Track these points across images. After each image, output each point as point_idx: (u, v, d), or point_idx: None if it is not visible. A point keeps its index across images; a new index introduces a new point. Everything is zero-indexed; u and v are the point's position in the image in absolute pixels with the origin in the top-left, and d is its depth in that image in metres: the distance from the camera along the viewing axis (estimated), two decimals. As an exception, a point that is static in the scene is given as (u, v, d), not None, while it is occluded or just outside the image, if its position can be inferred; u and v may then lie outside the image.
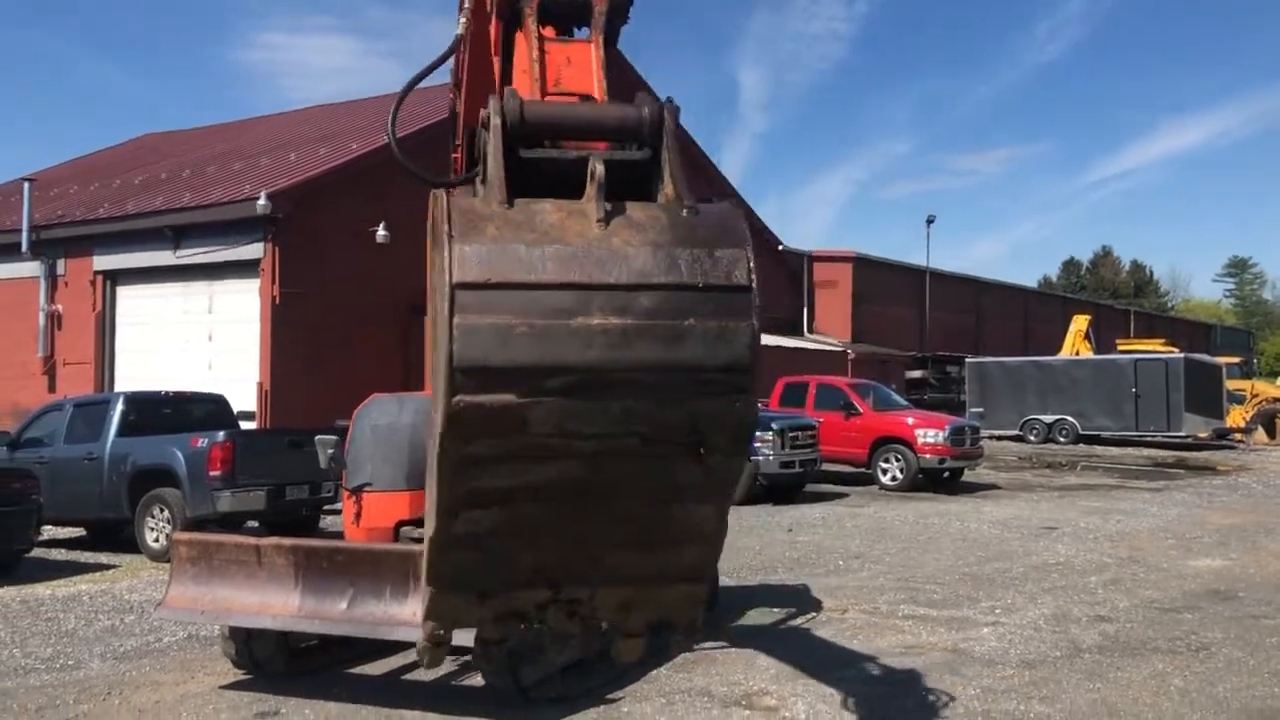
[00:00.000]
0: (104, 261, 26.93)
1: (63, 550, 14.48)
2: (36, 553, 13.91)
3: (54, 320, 28.01)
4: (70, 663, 8.31)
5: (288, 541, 7.13)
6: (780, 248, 38.08)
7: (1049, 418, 33.94)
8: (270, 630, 7.21)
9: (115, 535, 14.61)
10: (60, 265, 27.87)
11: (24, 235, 27.69)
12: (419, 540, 7.09)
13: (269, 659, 7.55)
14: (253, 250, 24.07)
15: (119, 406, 14.26)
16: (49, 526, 14.80)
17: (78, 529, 15.33)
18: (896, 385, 36.73)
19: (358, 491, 7.60)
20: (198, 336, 25.42)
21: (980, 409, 34.47)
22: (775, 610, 9.86)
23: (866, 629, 9.16)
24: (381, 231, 24.27)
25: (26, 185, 28.32)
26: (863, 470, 21.47)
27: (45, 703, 7.19)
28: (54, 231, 27.64)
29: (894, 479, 20.67)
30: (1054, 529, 15.53)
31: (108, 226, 26.55)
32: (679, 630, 3.65)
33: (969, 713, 6.83)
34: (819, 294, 39.21)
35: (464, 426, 2.90)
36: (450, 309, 2.84)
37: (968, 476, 22.49)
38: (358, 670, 7.83)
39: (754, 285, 3.06)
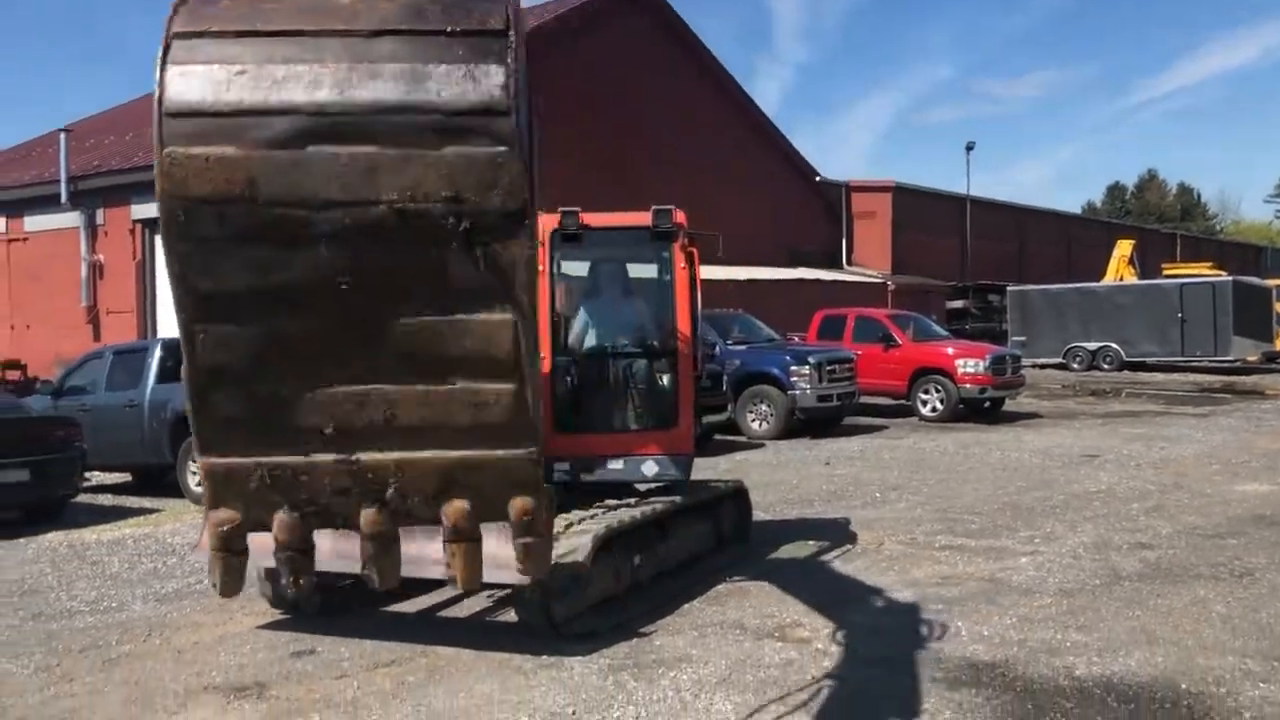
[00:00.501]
0: (142, 210, 27.08)
1: (109, 495, 14.74)
2: (83, 498, 14.17)
3: (96, 270, 28.29)
4: (114, 605, 8.45)
5: (318, 483, 7.14)
6: (817, 179, 37.61)
7: (1093, 345, 33.47)
8: (305, 570, 7.25)
9: (159, 480, 14.81)
10: (99, 215, 28.09)
11: (63, 186, 27.90)
12: None
13: (305, 598, 7.61)
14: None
15: (157, 353, 14.37)
16: (95, 473, 15.09)
17: (123, 474, 15.57)
18: (937, 316, 36.35)
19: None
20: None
21: (1023, 338, 34.05)
22: (810, 543, 9.82)
23: (903, 560, 9.10)
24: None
25: (63, 136, 28.47)
26: (903, 402, 21.30)
27: (89, 644, 7.32)
28: (91, 181, 27.81)
29: (934, 410, 20.49)
30: (1096, 456, 15.35)
31: (143, 175, 26.60)
32: (523, 566, 3.34)
33: (1005, 642, 6.76)
34: (858, 225, 38.74)
35: (181, 191, 2.56)
36: (163, 53, 2.53)
37: (1009, 406, 22.30)
38: (394, 608, 7.89)
39: (513, 32, 2.68)
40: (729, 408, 17.34)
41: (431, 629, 7.40)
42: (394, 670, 6.54)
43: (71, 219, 28.27)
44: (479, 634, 7.24)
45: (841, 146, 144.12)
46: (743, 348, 19.09)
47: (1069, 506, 11.50)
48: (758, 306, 26.39)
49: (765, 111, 37.05)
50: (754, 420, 18.41)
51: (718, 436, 17.74)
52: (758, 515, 11.28)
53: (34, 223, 29.62)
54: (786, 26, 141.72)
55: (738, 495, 9.46)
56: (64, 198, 27.78)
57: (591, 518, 7.45)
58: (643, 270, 8.82)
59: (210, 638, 7.36)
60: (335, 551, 6.83)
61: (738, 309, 21.82)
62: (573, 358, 8.06)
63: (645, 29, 31.81)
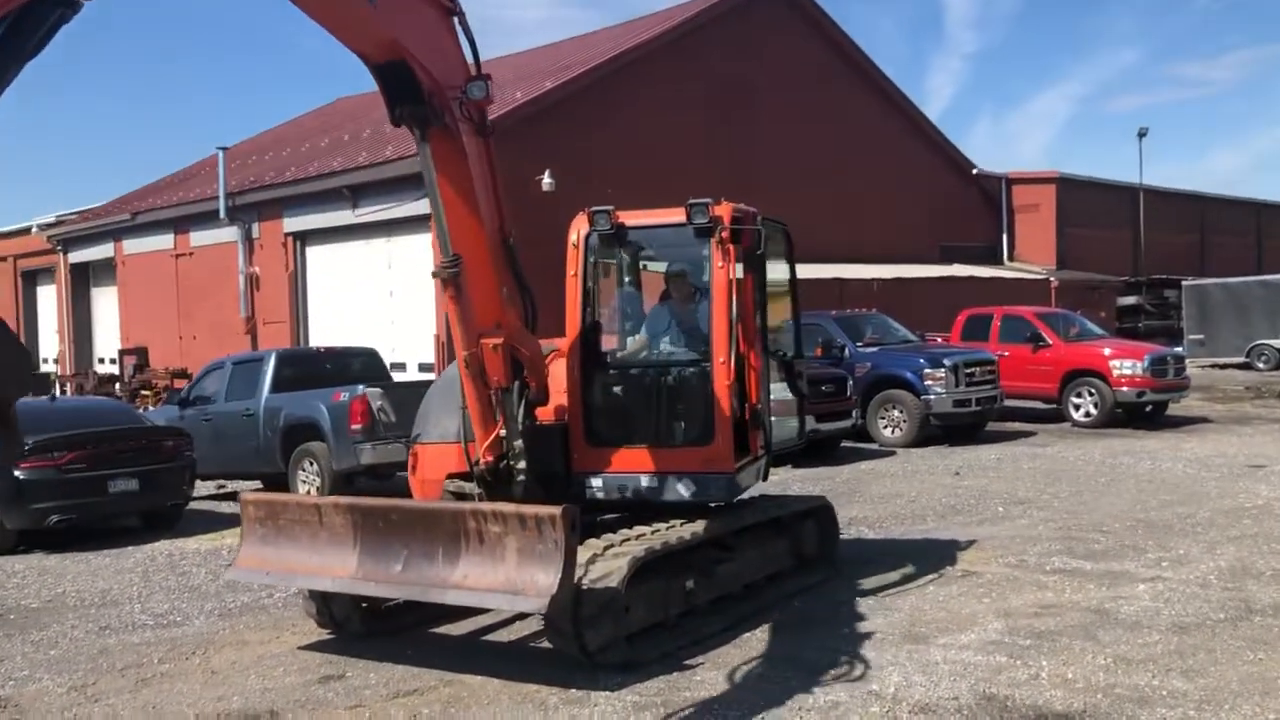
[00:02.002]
0: (293, 223, 27.96)
1: (231, 504, 14.98)
2: (206, 506, 14.53)
3: (252, 281, 29.34)
4: (178, 619, 8.41)
5: (345, 501, 6.88)
6: (974, 171, 35.95)
7: (1280, 342, 30.85)
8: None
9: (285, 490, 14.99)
10: (255, 229, 29.10)
11: (221, 202, 29.04)
12: (460, 494, 6.71)
13: (347, 619, 7.38)
14: (423, 205, 24.31)
15: (271, 363, 14.59)
16: (234, 481, 15.44)
17: (254, 483, 15.83)
18: (1106, 313, 34.25)
19: (413, 443, 7.28)
20: (379, 293, 26.02)
21: (1200, 336, 31.69)
22: (909, 565, 9.04)
23: (1004, 585, 8.26)
24: (547, 179, 24.12)
25: (220, 154, 29.69)
26: (1055, 407, 19.93)
27: (132, 661, 7.24)
28: (247, 197, 28.84)
29: (1087, 415, 19.08)
30: (1261, 467, 13.89)
31: (291, 189, 27.49)
32: None
33: (1089, 687, 5.93)
34: (1019, 219, 36.81)
35: None
36: None
37: (1176, 410, 20.60)
38: (441, 630, 7.58)
39: None
40: (854, 414, 16.48)
41: (470, 655, 7.03)
42: (412, 700, 6.19)
43: (230, 233, 29.42)
44: (517, 662, 6.83)
45: (1018, 140, 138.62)
46: (874, 350, 18.19)
47: (1213, 524, 10.33)
48: (905, 306, 25.27)
49: (920, 104, 35.64)
50: (885, 427, 17.49)
51: (845, 444, 16.92)
52: (860, 532, 10.60)
53: (198, 238, 30.98)
54: (957, 16, 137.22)
55: (819, 512, 8.76)
56: (222, 213, 28.92)
57: (637, 538, 6.93)
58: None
59: (250, 657, 7.18)
60: (360, 572, 6.61)
61: (872, 309, 20.87)
62: (608, 366, 7.55)
63: (787, 22, 30.99)
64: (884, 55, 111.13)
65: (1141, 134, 39.78)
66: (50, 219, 38.87)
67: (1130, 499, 11.89)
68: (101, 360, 35.78)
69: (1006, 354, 19.65)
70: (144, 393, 27.29)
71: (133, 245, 33.45)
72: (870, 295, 26.50)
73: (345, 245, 26.92)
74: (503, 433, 6.68)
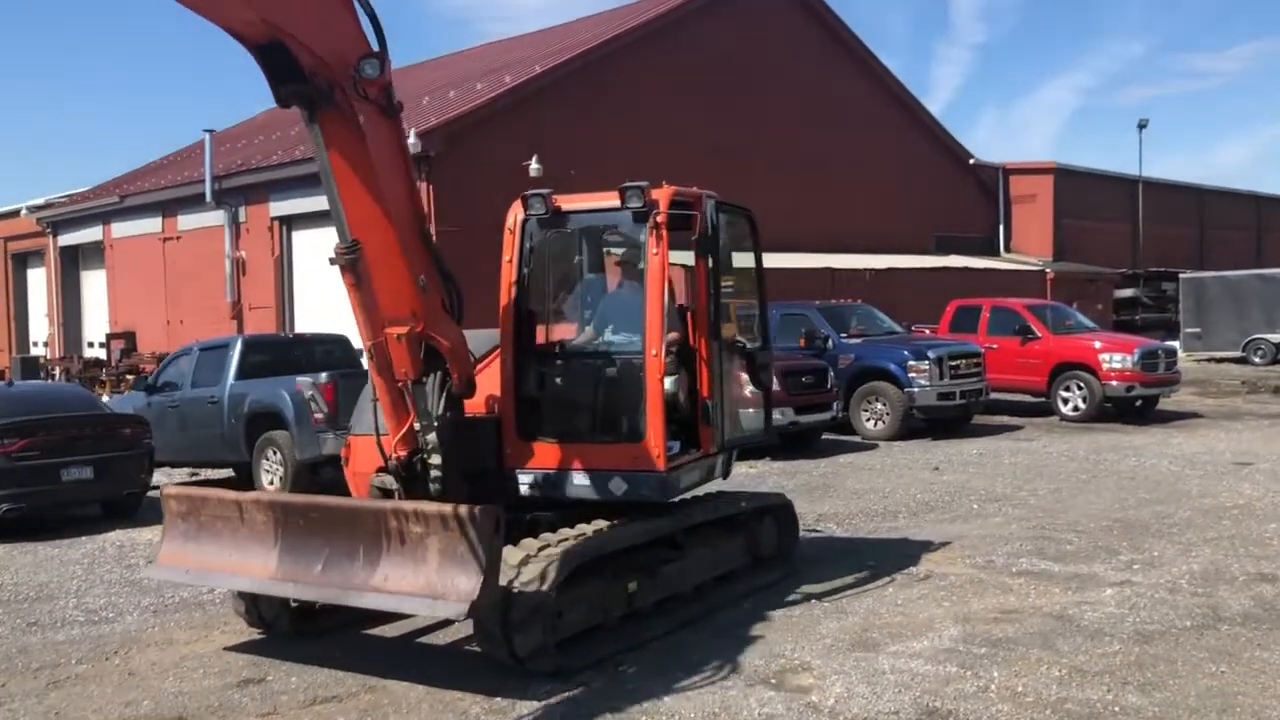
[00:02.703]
0: (279, 207, 27.61)
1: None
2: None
3: (239, 266, 29.01)
4: (111, 615, 8.11)
5: (266, 497, 6.58)
6: (971, 161, 35.58)
7: (1277, 337, 30.49)
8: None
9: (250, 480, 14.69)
10: (241, 213, 28.76)
11: (207, 185, 28.69)
12: (386, 490, 6.40)
13: (276, 618, 7.08)
14: (408, 189, 24.01)
15: (237, 349, 14.27)
16: (201, 469, 15.13)
17: (226, 470, 15.48)
18: (1104, 306, 33.94)
19: (348, 435, 6.99)
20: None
21: (1197, 329, 31.35)
22: (871, 563, 8.74)
23: (966, 588, 7.94)
24: (534, 165, 23.78)
25: (207, 136, 29.33)
26: (1044, 400, 19.60)
27: (50, 661, 6.95)
28: (234, 180, 28.50)
29: (1075, 409, 18.75)
30: (1248, 465, 13.56)
31: (278, 173, 27.13)
32: None
33: (1039, 701, 5.62)
34: (1016, 210, 36.47)
35: None
36: None
37: (1167, 405, 20.28)
38: (375, 630, 7.27)
39: None
40: (835, 406, 16.15)
41: (400, 658, 6.73)
42: (329, 708, 5.90)
43: (217, 217, 29.08)
44: (449, 666, 6.53)
45: (1024, 132, 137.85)
46: (858, 341, 17.85)
47: (1191, 525, 10.01)
48: (898, 297, 24.99)
49: (926, 96, 35.21)
50: (869, 419, 17.16)
51: (827, 436, 16.61)
52: (828, 529, 10.30)
53: (185, 222, 30.63)
54: (964, 6, 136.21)
55: (777, 510, 8.44)
56: (208, 196, 28.56)
57: (576, 539, 6.61)
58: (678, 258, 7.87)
59: (172, 658, 6.88)
60: (279, 572, 6.30)
61: (857, 299, 20.52)
62: (540, 355, 7.21)
63: (784, 9, 30.59)
64: (889, 46, 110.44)
65: (1141, 125, 39.40)
66: (40, 201, 38.53)
67: (1109, 497, 11.57)
68: (91, 344, 35.47)
69: (995, 346, 19.33)
70: (129, 377, 27.00)
71: (121, 228, 33.11)
72: (862, 285, 26.20)
73: (332, 230, 26.49)
74: (417, 426, 6.37)
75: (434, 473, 6.37)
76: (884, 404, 17.03)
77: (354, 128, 5.98)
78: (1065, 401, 18.93)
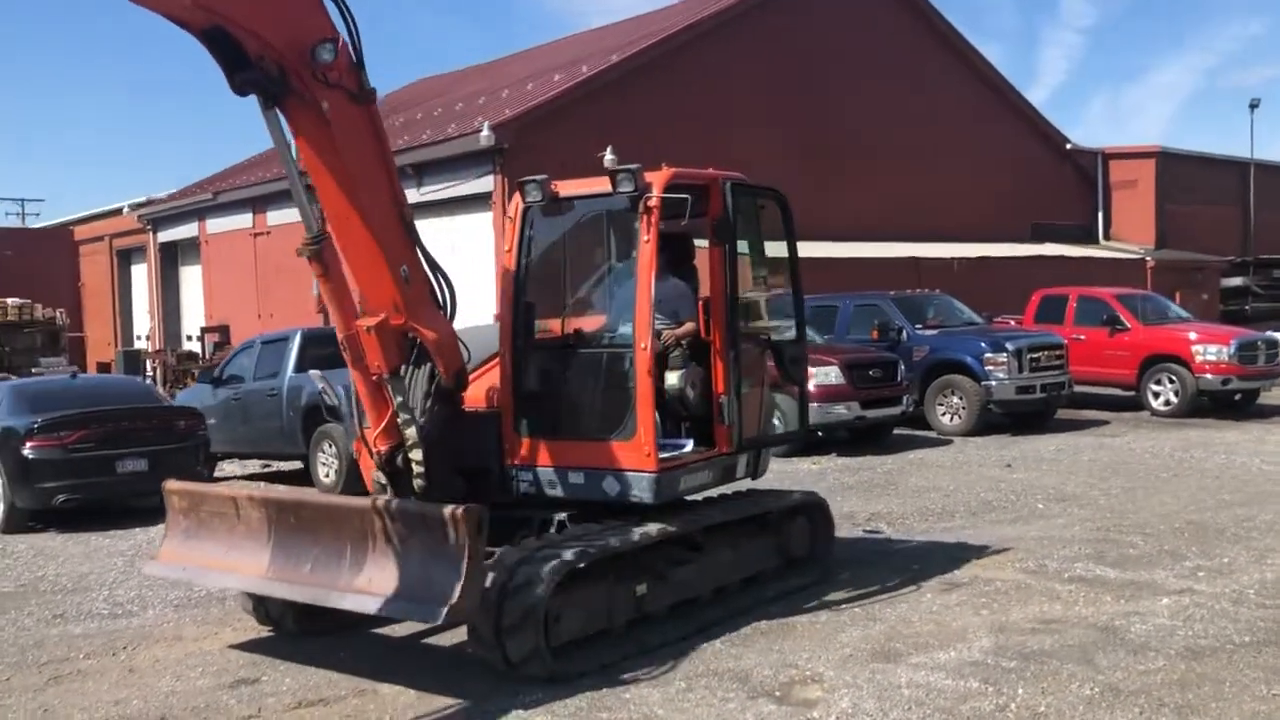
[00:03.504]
0: (365, 202, 27.84)
1: (262, 484, 14.75)
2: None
3: (324, 261, 29.33)
4: (135, 609, 8.09)
5: (260, 494, 6.43)
6: (1069, 146, 34.22)
7: (1398, 327, 28.68)
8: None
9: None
10: (326, 208, 29.08)
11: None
12: (385, 486, 6.19)
13: (282, 616, 6.94)
14: (484, 184, 24.01)
15: (296, 342, 14.31)
16: (272, 462, 15.26)
17: (296, 464, 15.54)
18: (1210, 295, 32.38)
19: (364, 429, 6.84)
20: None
21: (1312, 319, 29.67)
22: (915, 566, 8.28)
23: (1009, 595, 7.44)
24: (609, 156, 23.52)
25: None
26: (1134, 395, 18.67)
27: (60, 655, 6.92)
28: (319, 176, 28.82)
29: (1167, 404, 17.81)
30: (1348, 464, 12.66)
31: (359, 168, 27.31)
32: None
33: (1061, 724, 5.16)
34: (1116, 196, 34.95)
35: None
36: None
37: (1270, 399, 19.19)
38: (382, 630, 7.08)
39: None
40: (906, 400, 15.56)
41: (402, 660, 6.54)
42: (312, 711, 5.72)
43: (302, 213, 29.45)
44: (450, 670, 6.30)
45: (1135, 117, 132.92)
46: (934, 333, 17.20)
47: (1272, 529, 9.31)
48: (989, 288, 24.13)
49: (1031, 81, 33.91)
50: (944, 414, 16.51)
51: (899, 431, 16.03)
52: (877, 528, 9.87)
53: (275, 217, 31.13)
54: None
55: (810, 509, 8.02)
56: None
57: (581, 538, 6.32)
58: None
59: (176, 655, 6.79)
60: (270, 571, 6.15)
61: (935, 289, 19.81)
62: (539, 349, 6.94)
63: (868, -8, 29.81)
64: (991, 31, 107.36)
65: (1253, 106, 37.41)
66: (141, 199, 39.67)
67: (1187, 497, 10.87)
68: (190, 337, 36.39)
69: (1082, 337, 18.51)
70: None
71: (215, 224, 33.88)
72: (949, 275, 25.34)
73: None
74: (400, 419, 6.18)
75: (416, 469, 6.17)
76: (960, 398, 16.37)
77: (316, 114, 5.80)
78: (1156, 395, 18.01)
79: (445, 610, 5.30)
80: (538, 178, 6.80)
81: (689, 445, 6.81)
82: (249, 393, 14.63)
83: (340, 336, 6.19)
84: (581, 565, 6.00)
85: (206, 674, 6.39)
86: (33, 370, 36.02)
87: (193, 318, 36.62)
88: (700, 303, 7.06)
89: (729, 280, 6.81)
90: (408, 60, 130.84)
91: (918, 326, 17.21)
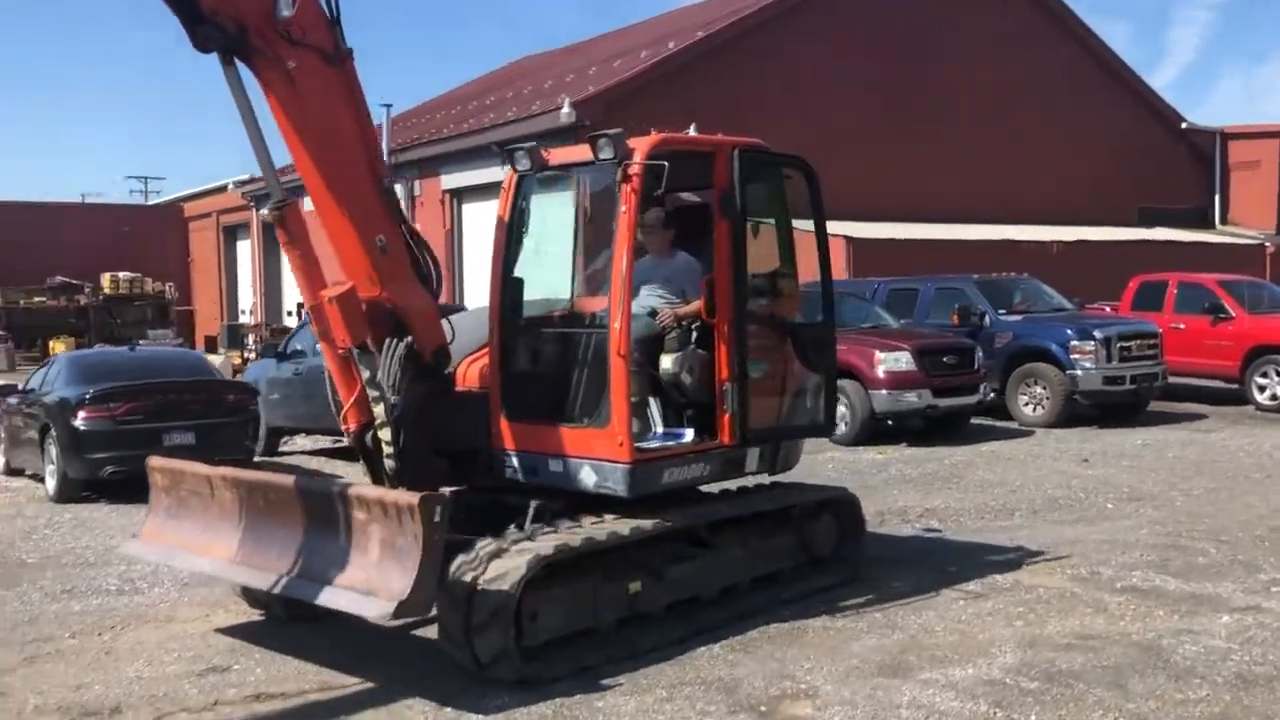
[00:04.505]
0: (450, 180, 27.86)
1: (325, 459, 14.69)
2: (293, 461, 14.34)
3: (413, 238, 29.45)
4: (143, 586, 7.96)
5: (232, 473, 6.16)
6: (1184, 125, 32.47)
7: None
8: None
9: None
10: (417, 186, 29.17)
11: (384, 159, 29.19)
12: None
13: (269, 601, 6.67)
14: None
15: (353, 318, 14.14)
16: (342, 438, 15.19)
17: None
18: (1337, 283, 30.41)
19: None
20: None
21: None
22: (953, 569, 7.68)
23: (1050, 605, 6.81)
24: (692, 132, 23.00)
25: (385, 110, 29.78)
26: (1238, 388, 17.48)
27: (48, 634, 6.79)
28: (409, 154, 28.93)
29: (1274, 398, 16.60)
30: None
31: (445, 146, 27.39)
32: None
33: (1069, 759, 4.57)
34: (1235, 178, 33.02)
35: None
36: None
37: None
38: (374, 619, 6.76)
39: None
40: (983, 388, 14.76)
41: (384, 650, 6.21)
42: (270, 704, 5.44)
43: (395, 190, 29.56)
44: (425, 665, 5.94)
45: (1269, 96, 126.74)
46: (1018, 319, 16.31)
47: (1366, 541, 8.43)
48: (1091, 273, 22.99)
49: (1157, 60, 32.24)
50: (1026, 404, 15.64)
51: (977, 421, 15.24)
52: (927, 525, 9.27)
53: (367, 194, 31.36)
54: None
55: (837, 505, 7.46)
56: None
57: (568, 530, 5.91)
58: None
59: (158, 638, 6.60)
60: (238, 555, 5.88)
61: (1024, 273, 18.82)
62: (526, 326, 6.52)
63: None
64: (1116, 9, 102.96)
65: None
66: (245, 177, 40.46)
67: (1278, 502, 9.97)
68: (289, 313, 37.04)
69: (1181, 326, 17.41)
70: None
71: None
72: (1047, 259, 24.22)
73: (495, 202, 26.58)
74: (371, 395, 5.87)
75: (386, 448, 5.86)
76: (1043, 387, 15.48)
77: (281, 73, 5.50)
78: (1261, 389, 16.82)
79: (394, 607, 4.94)
80: (526, 145, 6.41)
81: (688, 435, 6.32)
82: (310, 368, 14.49)
83: (308, 306, 5.91)
84: (558, 559, 5.58)
85: (181, 659, 6.17)
86: (140, 342, 37.24)
87: (293, 292, 37.22)
88: (703, 281, 6.56)
89: (735, 257, 6.29)
90: (519, 42, 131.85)
91: (1001, 312, 16.33)
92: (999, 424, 15.51)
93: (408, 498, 5.04)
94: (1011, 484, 11.10)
